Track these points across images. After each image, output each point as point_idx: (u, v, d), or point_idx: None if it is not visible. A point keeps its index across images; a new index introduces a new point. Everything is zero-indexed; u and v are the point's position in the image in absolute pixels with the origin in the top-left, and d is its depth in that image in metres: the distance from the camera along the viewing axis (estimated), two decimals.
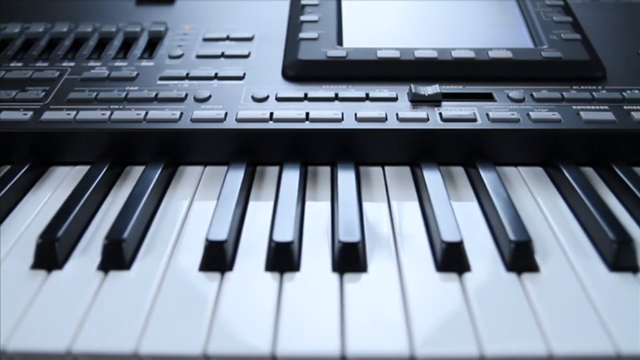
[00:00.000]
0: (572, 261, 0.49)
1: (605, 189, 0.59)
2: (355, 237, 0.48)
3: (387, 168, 0.62)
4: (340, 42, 0.71)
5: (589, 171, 0.62)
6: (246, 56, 0.71)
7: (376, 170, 0.61)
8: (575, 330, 0.42)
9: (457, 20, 0.76)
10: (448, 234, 0.48)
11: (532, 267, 0.48)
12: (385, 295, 0.45)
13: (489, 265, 0.48)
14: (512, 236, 0.48)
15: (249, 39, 0.74)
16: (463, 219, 0.53)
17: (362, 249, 0.48)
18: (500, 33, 0.74)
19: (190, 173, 0.61)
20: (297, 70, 0.67)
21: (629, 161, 0.61)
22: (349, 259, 0.48)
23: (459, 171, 0.61)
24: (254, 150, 0.61)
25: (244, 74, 0.68)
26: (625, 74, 0.69)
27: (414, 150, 0.61)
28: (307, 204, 0.56)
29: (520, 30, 0.74)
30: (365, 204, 0.56)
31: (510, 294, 0.45)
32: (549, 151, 0.61)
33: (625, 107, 0.63)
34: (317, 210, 0.55)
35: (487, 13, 0.77)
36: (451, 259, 0.48)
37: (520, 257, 0.48)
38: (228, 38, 0.74)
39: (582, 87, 0.66)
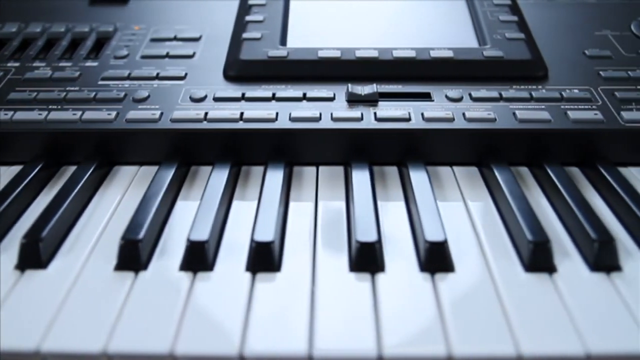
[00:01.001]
0: (489, 262, 0.49)
1: (537, 189, 0.59)
2: (269, 237, 0.48)
3: (321, 168, 0.62)
4: (283, 42, 0.71)
5: (524, 171, 0.62)
6: (190, 56, 0.71)
7: (309, 170, 0.61)
8: (481, 331, 0.42)
9: (406, 20, 0.76)
10: (363, 235, 0.48)
11: (447, 268, 0.48)
12: (294, 294, 0.45)
13: (404, 266, 0.48)
14: (428, 236, 0.48)
15: (196, 39, 0.74)
16: (389, 220, 0.54)
17: (276, 249, 0.48)
18: (447, 33, 0.74)
19: (125, 173, 0.61)
20: (238, 70, 0.67)
21: (563, 161, 0.61)
22: (263, 258, 0.48)
23: (392, 171, 0.61)
24: (189, 151, 0.61)
25: (186, 74, 0.68)
26: (568, 73, 0.68)
27: (348, 150, 0.61)
28: (234, 203, 0.56)
29: (467, 30, 0.74)
30: (292, 204, 0.56)
31: (422, 294, 0.45)
32: (483, 151, 0.61)
33: (562, 107, 0.63)
34: (244, 210, 0.55)
35: (436, 13, 0.77)
36: (365, 258, 0.47)
37: (435, 257, 0.48)
38: (175, 38, 0.74)
39: (522, 87, 0.66)
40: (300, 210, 0.55)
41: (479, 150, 0.61)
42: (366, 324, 0.42)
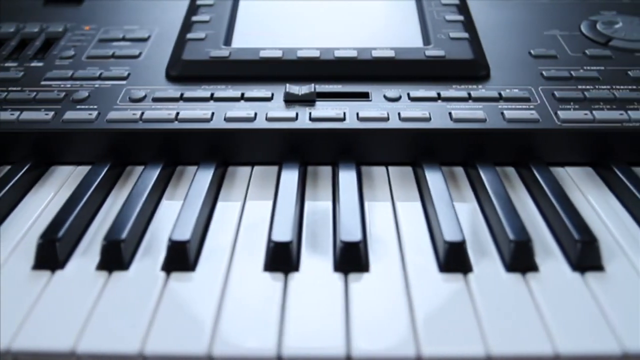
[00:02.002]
0: (406, 261, 0.48)
1: (469, 190, 0.58)
2: (185, 237, 0.48)
3: (256, 168, 0.62)
4: (228, 42, 0.71)
5: (458, 171, 0.61)
6: (136, 56, 0.71)
7: (244, 170, 0.61)
8: (384, 330, 0.42)
9: (355, 20, 0.76)
10: (278, 235, 0.48)
11: (361, 268, 0.47)
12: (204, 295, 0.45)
13: (319, 265, 0.48)
14: (343, 237, 0.48)
15: (145, 40, 0.74)
16: (314, 220, 0.54)
17: (190, 249, 0.48)
18: (394, 33, 0.73)
19: (61, 173, 0.61)
20: (180, 70, 0.68)
21: (499, 161, 0.61)
22: (178, 258, 0.48)
23: (325, 171, 0.61)
24: (125, 151, 0.62)
25: (129, 74, 0.68)
26: (511, 73, 0.68)
27: (282, 150, 0.61)
28: (163, 202, 0.57)
29: (414, 29, 0.74)
30: (219, 204, 0.56)
31: (332, 293, 0.45)
32: (418, 151, 0.61)
33: (500, 106, 0.63)
34: (172, 209, 0.55)
35: (385, 13, 0.77)
36: (280, 258, 0.48)
37: (349, 257, 0.48)
38: (123, 39, 0.74)
39: (462, 86, 0.65)
40: (226, 210, 0.55)
41: (414, 150, 0.61)
42: (273, 323, 0.42)
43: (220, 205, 0.56)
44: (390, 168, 0.61)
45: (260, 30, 0.74)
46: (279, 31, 0.75)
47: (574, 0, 0.82)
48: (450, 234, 0.48)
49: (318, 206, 0.56)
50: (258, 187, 0.59)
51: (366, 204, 0.56)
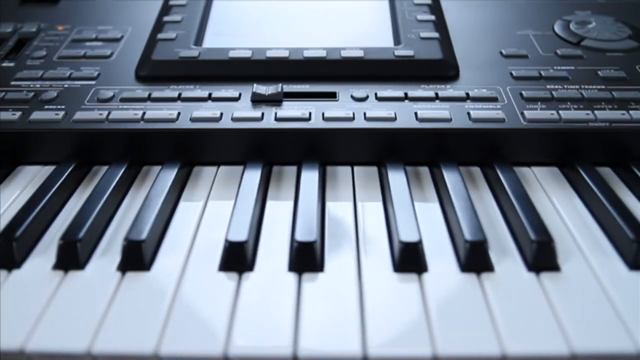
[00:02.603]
0: (361, 261, 0.48)
1: (432, 190, 0.58)
2: (141, 236, 0.48)
3: (221, 168, 0.62)
4: (199, 42, 0.71)
5: (423, 171, 0.61)
6: (107, 57, 0.71)
7: (209, 170, 0.61)
8: (331, 328, 0.42)
9: (328, 20, 0.76)
10: (234, 235, 0.48)
11: (315, 268, 0.47)
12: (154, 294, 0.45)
13: (272, 265, 0.48)
14: (298, 237, 0.48)
15: (117, 40, 0.74)
16: (273, 219, 0.54)
17: (146, 248, 0.48)
18: (366, 33, 0.73)
19: (27, 173, 0.61)
20: (149, 70, 0.68)
21: (465, 160, 0.61)
22: (132, 257, 0.48)
23: (290, 170, 0.61)
24: (91, 151, 0.62)
25: (99, 74, 0.68)
26: (480, 72, 0.68)
27: (248, 150, 0.61)
28: (125, 201, 0.57)
29: (386, 29, 0.73)
30: (181, 204, 0.56)
31: (285, 293, 0.45)
32: (384, 150, 0.61)
33: (466, 106, 0.63)
34: (133, 209, 0.56)
35: (359, 13, 0.77)
36: (233, 258, 0.48)
37: (302, 258, 0.48)
38: (96, 39, 0.75)
39: (430, 86, 0.65)
40: (188, 210, 0.55)
41: (380, 150, 0.61)
42: (222, 322, 0.42)
43: (182, 204, 0.56)
44: (356, 168, 0.61)
45: (233, 30, 0.75)
46: (252, 31, 0.75)
47: (549, 0, 0.82)
48: (406, 234, 0.48)
49: (280, 206, 0.56)
50: (222, 187, 0.59)
51: (328, 204, 0.56)
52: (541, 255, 0.47)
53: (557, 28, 0.76)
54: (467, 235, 0.48)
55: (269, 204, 0.56)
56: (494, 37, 0.74)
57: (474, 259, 0.47)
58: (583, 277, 0.47)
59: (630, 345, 0.40)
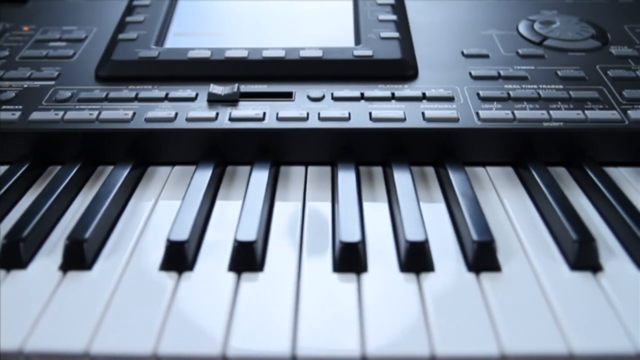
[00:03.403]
0: (302, 260, 0.48)
1: (382, 190, 0.58)
2: (83, 236, 0.48)
3: (176, 167, 0.62)
4: (161, 42, 0.71)
5: (376, 170, 0.61)
6: (69, 57, 0.71)
7: (164, 170, 0.62)
8: (260, 328, 0.42)
9: (291, 20, 0.76)
10: (175, 233, 0.49)
11: (255, 267, 0.47)
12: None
13: (213, 265, 0.48)
14: (238, 236, 0.48)
15: (81, 40, 0.75)
16: (220, 219, 0.54)
17: (88, 248, 0.48)
18: (328, 33, 0.73)
19: None
20: (109, 70, 0.68)
21: (420, 160, 0.61)
22: (75, 257, 0.48)
23: (244, 170, 0.61)
24: (46, 151, 0.62)
25: (59, 74, 0.68)
26: (440, 72, 0.68)
27: (202, 150, 0.61)
28: (77, 200, 0.57)
29: (348, 29, 0.73)
30: (131, 203, 0.57)
31: (223, 292, 0.45)
32: (337, 150, 0.61)
33: (422, 106, 0.63)
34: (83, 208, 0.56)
35: (323, 13, 0.77)
36: (173, 257, 0.48)
37: (242, 257, 0.48)
38: (60, 39, 0.75)
39: (388, 86, 0.65)
40: (136, 210, 0.56)
41: (334, 150, 0.61)
42: (156, 322, 0.42)
43: (131, 204, 0.56)
44: (310, 168, 0.61)
45: (197, 30, 0.75)
46: (216, 32, 0.75)
47: (516, 0, 0.82)
48: (346, 234, 0.48)
49: (228, 206, 0.56)
50: (173, 187, 0.59)
51: (276, 203, 0.56)
52: (481, 256, 0.47)
53: (521, 28, 0.76)
54: (408, 235, 0.48)
55: (218, 203, 0.56)
56: (457, 37, 0.74)
57: (414, 259, 0.47)
58: (523, 278, 0.47)
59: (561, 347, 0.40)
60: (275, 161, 0.61)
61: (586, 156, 0.61)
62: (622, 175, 0.60)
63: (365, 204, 0.55)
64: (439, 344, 0.40)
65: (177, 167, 0.62)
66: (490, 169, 0.61)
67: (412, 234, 0.48)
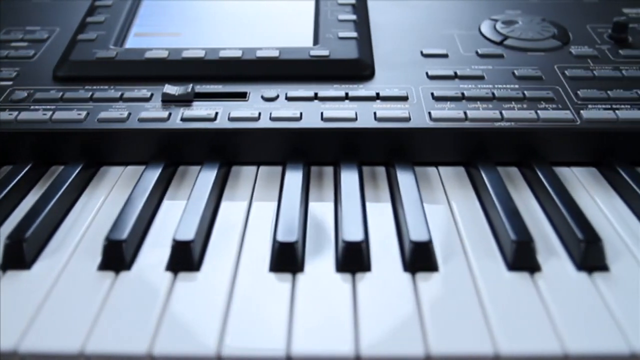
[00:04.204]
0: (240, 260, 0.48)
1: (330, 190, 0.58)
2: (22, 236, 0.49)
3: (128, 167, 0.62)
4: (121, 43, 0.72)
5: (327, 170, 0.61)
6: (29, 57, 0.72)
7: (116, 170, 0.62)
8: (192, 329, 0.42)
9: (253, 20, 0.76)
10: (114, 233, 0.49)
11: (192, 267, 0.47)
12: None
13: (151, 264, 0.48)
14: (177, 236, 0.48)
15: (43, 41, 0.75)
16: (165, 218, 0.54)
17: (25, 248, 0.48)
18: (288, 33, 0.73)
19: None
20: (66, 71, 0.68)
21: (367, 160, 0.61)
22: (14, 257, 0.48)
23: (195, 170, 0.61)
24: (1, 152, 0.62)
25: (17, 75, 0.68)
26: (396, 72, 0.68)
27: (154, 150, 0.61)
28: (27, 199, 0.57)
29: (308, 29, 0.73)
30: (81, 200, 0.57)
31: (156, 290, 0.46)
32: (289, 150, 0.61)
33: (374, 105, 0.62)
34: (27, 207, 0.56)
35: (286, 14, 0.77)
36: (111, 256, 0.48)
37: (178, 256, 0.48)
38: (22, 39, 0.75)
39: (343, 86, 0.65)
40: (84, 209, 0.56)
41: (286, 149, 0.61)
42: (88, 321, 0.42)
43: (79, 204, 0.56)
44: (261, 168, 0.61)
45: (159, 30, 0.75)
46: (178, 32, 0.75)
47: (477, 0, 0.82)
48: (283, 235, 0.48)
49: (174, 205, 0.56)
50: (123, 187, 0.59)
51: (222, 203, 0.56)
52: (417, 257, 0.47)
53: (483, 28, 0.75)
54: (345, 235, 0.48)
55: (165, 204, 0.56)
56: (418, 36, 0.74)
57: (350, 259, 0.47)
58: (460, 277, 0.47)
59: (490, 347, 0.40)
60: (227, 161, 0.61)
61: (538, 156, 0.60)
62: (573, 176, 0.60)
63: (311, 204, 0.56)
64: (365, 345, 0.41)
65: (129, 167, 0.62)
66: (442, 168, 0.61)
67: (349, 235, 0.48)
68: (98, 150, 0.62)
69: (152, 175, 0.57)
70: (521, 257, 0.47)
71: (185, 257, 0.48)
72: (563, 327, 0.42)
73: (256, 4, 0.79)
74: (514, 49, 0.71)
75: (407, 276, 0.47)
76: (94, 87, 0.66)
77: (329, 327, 0.42)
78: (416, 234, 0.48)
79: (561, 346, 0.40)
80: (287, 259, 0.47)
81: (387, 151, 0.61)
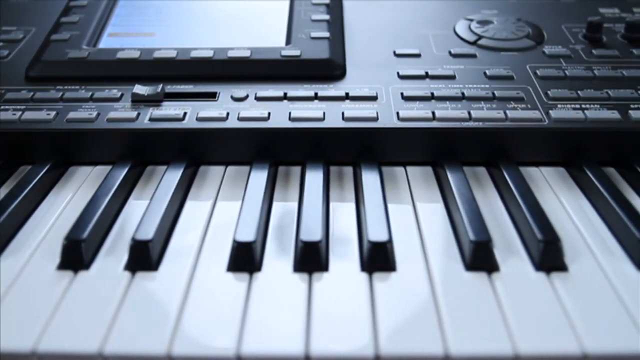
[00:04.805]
0: (199, 261, 0.48)
1: (295, 190, 0.58)
2: None
3: (97, 167, 0.62)
4: (94, 43, 0.72)
5: (294, 170, 0.61)
6: (3, 57, 0.72)
7: (84, 170, 0.62)
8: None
9: (228, 21, 0.76)
10: (72, 232, 0.49)
11: (151, 267, 0.48)
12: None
13: (110, 264, 0.48)
14: (135, 235, 0.48)
15: (18, 41, 0.75)
16: (129, 217, 0.54)
17: None
18: (262, 33, 0.73)
19: None
20: (38, 71, 0.68)
21: (335, 160, 0.61)
22: None
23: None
24: None
25: None
26: (368, 72, 0.68)
27: (122, 150, 0.61)
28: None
29: (282, 30, 0.73)
30: (48, 199, 0.57)
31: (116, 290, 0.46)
32: (256, 150, 0.61)
33: (343, 105, 0.63)
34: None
35: (261, 14, 0.77)
36: (69, 256, 0.48)
37: (136, 256, 0.48)
38: None
39: (313, 86, 0.65)
40: (50, 208, 0.56)
41: (253, 149, 0.61)
42: (42, 319, 0.43)
43: (45, 203, 0.57)
44: (229, 168, 0.61)
45: (133, 31, 0.75)
46: (151, 32, 0.75)
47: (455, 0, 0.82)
48: (241, 234, 0.48)
49: (139, 205, 0.56)
50: (90, 187, 0.58)
51: (187, 203, 0.56)
52: (375, 256, 0.47)
53: (458, 27, 0.75)
54: (303, 235, 0.48)
55: (131, 203, 0.56)
56: (392, 36, 0.74)
57: (307, 259, 0.47)
58: (415, 278, 0.47)
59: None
60: (195, 161, 0.61)
61: (506, 156, 0.60)
62: (541, 176, 0.60)
63: (275, 204, 0.56)
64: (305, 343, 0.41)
65: (98, 167, 0.62)
66: (409, 168, 0.61)
67: (307, 234, 0.48)
68: (67, 150, 0.62)
69: (118, 175, 0.57)
70: (479, 257, 0.47)
71: (143, 257, 0.48)
72: (515, 327, 0.42)
73: (232, 4, 0.79)
74: (487, 48, 0.71)
75: (364, 276, 0.47)
76: (65, 87, 0.66)
77: (280, 327, 0.42)
78: (375, 234, 0.48)
79: (512, 347, 0.40)
80: (244, 259, 0.47)
81: (355, 151, 0.61)
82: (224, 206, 0.56)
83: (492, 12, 0.79)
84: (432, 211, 0.55)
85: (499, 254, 0.49)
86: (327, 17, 0.73)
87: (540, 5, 0.81)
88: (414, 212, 0.55)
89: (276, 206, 0.55)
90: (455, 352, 0.40)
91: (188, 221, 0.53)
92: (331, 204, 0.55)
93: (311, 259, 0.47)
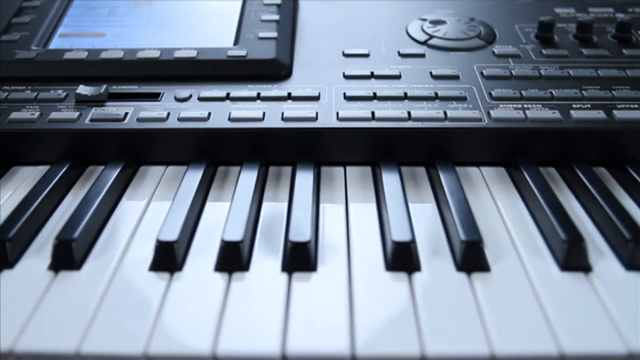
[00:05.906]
0: (124, 256, 0.49)
1: (229, 190, 0.58)
2: None
3: (39, 167, 0.62)
4: (45, 43, 0.72)
5: (233, 170, 0.61)
6: None
7: (27, 170, 0.62)
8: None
9: (178, 21, 0.76)
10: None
11: (72, 266, 0.48)
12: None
13: (33, 262, 0.49)
14: (61, 235, 0.49)
15: None
16: (56, 217, 0.55)
17: None
18: (211, 33, 0.73)
19: None
20: None
21: (273, 160, 0.61)
22: None
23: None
24: None
25: None
26: (314, 72, 0.68)
27: (64, 151, 0.61)
28: None
29: (231, 30, 0.73)
30: None
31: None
32: (196, 150, 0.61)
33: (284, 106, 0.63)
34: None
35: (213, 14, 0.77)
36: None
37: (58, 254, 0.48)
38: None
39: (256, 86, 0.65)
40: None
41: (193, 150, 0.61)
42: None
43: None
44: (169, 168, 0.62)
45: (84, 31, 0.75)
46: (102, 32, 0.75)
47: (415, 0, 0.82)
48: (164, 234, 0.48)
49: (73, 206, 0.56)
50: (27, 188, 0.59)
51: (121, 202, 0.56)
52: (296, 256, 0.47)
53: (410, 27, 0.75)
54: (225, 235, 0.48)
55: (68, 199, 0.57)
56: (343, 36, 0.74)
57: (228, 259, 0.47)
58: (336, 277, 0.47)
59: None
60: (135, 161, 0.61)
61: (445, 155, 0.60)
62: (479, 175, 0.60)
63: (208, 204, 0.56)
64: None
65: (39, 167, 0.62)
66: (348, 168, 0.61)
67: (229, 234, 0.48)
68: (10, 151, 0.62)
69: (55, 175, 0.58)
70: (399, 258, 0.47)
71: (65, 257, 0.48)
72: (426, 328, 0.42)
73: (185, 4, 0.79)
74: (437, 48, 0.71)
75: (284, 276, 0.47)
76: (12, 88, 0.66)
77: (259, 326, 0.42)
78: (296, 234, 0.48)
79: (420, 347, 0.40)
80: (165, 258, 0.48)
81: (295, 151, 0.61)
82: (158, 206, 0.55)
83: (446, 12, 0.79)
84: (364, 212, 0.55)
85: (423, 254, 0.49)
86: (276, 17, 0.73)
87: (496, 5, 0.81)
88: (345, 213, 0.55)
89: (208, 206, 0.56)
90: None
91: (119, 221, 0.54)
92: (264, 204, 0.56)
93: (232, 259, 0.47)
